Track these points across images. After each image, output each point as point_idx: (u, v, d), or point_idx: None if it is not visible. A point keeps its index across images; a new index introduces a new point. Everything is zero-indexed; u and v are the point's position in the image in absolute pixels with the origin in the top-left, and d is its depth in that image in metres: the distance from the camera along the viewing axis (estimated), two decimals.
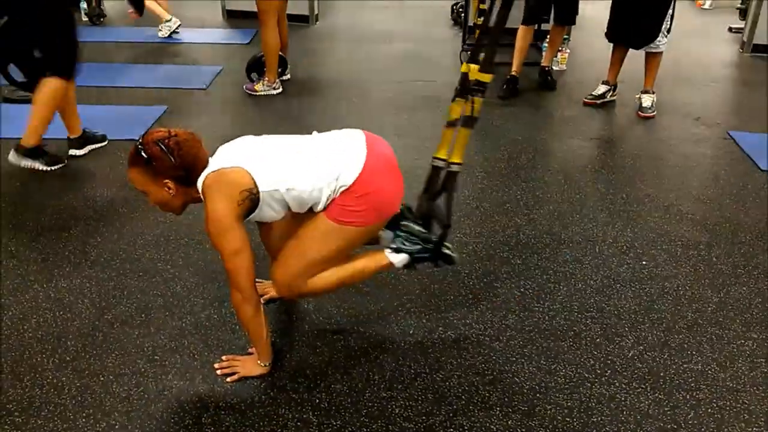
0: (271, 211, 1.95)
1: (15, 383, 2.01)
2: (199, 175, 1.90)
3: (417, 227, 2.16)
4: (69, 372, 2.06)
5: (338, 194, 1.93)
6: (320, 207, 1.96)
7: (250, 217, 1.94)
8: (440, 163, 2.26)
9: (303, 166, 1.93)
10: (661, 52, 4.24)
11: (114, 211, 3.00)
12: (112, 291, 2.45)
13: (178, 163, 1.86)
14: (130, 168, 1.91)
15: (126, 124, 3.85)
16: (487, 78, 2.12)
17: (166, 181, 1.89)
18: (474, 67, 2.14)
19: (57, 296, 2.42)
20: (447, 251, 2.20)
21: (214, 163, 1.92)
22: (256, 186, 1.87)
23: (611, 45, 4.43)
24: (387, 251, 2.15)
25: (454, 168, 2.19)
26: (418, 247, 2.15)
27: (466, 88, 2.16)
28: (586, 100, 4.50)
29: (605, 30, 4.39)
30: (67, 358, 2.12)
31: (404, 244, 2.14)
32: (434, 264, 2.22)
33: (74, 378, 2.04)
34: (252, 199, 1.88)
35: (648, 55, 4.28)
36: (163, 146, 1.85)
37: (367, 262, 2.14)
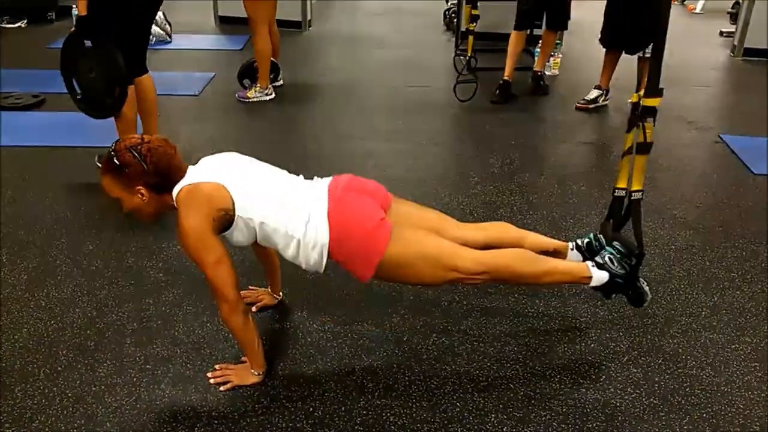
0: (240, 236, 1.95)
1: (6, 393, 1.99)
2: (173, 182, 1.89)
3: (626, 248, 2.11)
4: (61, 382, 2.04)
5: (325, 255, 1.92)
6: (310, 262, 1.94)
7: (221, 234, 1.92)
8: (621, 193, 2.21)
9: (284, 209, 1.91)
10: None
11: (106, 218, 2.98)
12: (104, 300, 2.44)
13: (151, 170, 1.85)
14: (103, 175, 1.90)
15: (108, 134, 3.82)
16: (656, 102, 2.07)
17: (139, 187, 1.88)
18: (636, 95, 2.10)
19: (48, 305, 2.40)
20: (641, 285, 2.13)
21: (194, 175, 1.91)
22: (233, 208, 1.86)
23: (603, 50, 4.45)
24: (590, 264, 2.10)
25: (636, 195, 2.12)
26: (623, 271, 2.09)
27: (636, 116, 2.11)
28: (578, 105, 4.52)
29: (599, 35, 4.41)
30: (59, 368, 2.10)
31: (611, 263, 2.09)
32: (627, 297, 2.16)
33: (66, 388, 2.02)
34: (226, 220, 1.87)
35: (641, 60, 4.29)
36: (135, 153, 1.84)
37: (562, 266, 2.11)
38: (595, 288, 2.13)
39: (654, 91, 2.06)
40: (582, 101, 4.51)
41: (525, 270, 2.06)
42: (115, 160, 1.85)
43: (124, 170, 1.85)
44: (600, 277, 2.08)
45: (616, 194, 2.23)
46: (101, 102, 3.21)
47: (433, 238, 2.00)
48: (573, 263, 2.16)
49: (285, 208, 1.92)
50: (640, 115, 2.08)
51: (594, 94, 4.50)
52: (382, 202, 2.05)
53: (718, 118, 4.51)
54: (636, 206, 2.13)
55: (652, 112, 2.07)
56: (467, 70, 4.53)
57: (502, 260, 2.03)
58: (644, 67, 4.30)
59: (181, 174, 1.90)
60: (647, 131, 2.08)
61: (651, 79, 2.07)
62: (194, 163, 2.00)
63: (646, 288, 2.16)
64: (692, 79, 5.19)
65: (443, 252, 1.98)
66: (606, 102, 4.54)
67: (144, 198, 1.90)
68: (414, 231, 2.00)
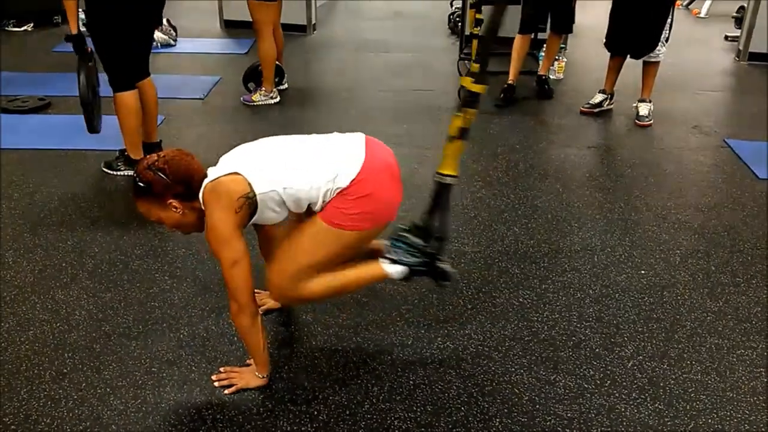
0: (272, 212, 1.95)
1: (11, 396, 2.00)
2: (197, 186, 1.91)
3: (416, 239, 2.14)
4: (66, 384, 2.05)
5: (334, 195, 1.93)
6: (317, 207, 1.96)
7: (253, 220, 1.94)
8: (437, 177, 2.23)
9: (299, 165, 1.93)
10: (659, 62, 4.25)
11: (111, 221, 2.99)
12: (109, 302, 2.45)
13: (173, 180, 1.88)
14: (136, 201, 1.95)
15: (117, 135, 3.83)
16: (480, 89, 2.09)
17: (170, 201, 1.91)
18: (469, 79, 2.13)
19: (54, 307, 2.41)
20: (443, 266, 2.17)
21: (213, 172, 1.93)
22: (252, 190, 1.87)
23: (608, 54, 4.45)
24: (383, 262, 2.13)
25: (447, 180, 2.16)
26: (416, 260, 2.12)
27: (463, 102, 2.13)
28: (583, 109, 4.51)
29: (604, 39, 4.40)
30: (64, 371, 2.10)
31: (403, 257, 2.12)
32: (432, 279, 2.19)
33: (71, 390, 2.02)
34: (250, 204, 1.88)
35: (646, 64, 4.29)
36: (154, 169, 1.89)
37: (362, 272, 2.12)
38: (401, 279, 2.15)
39: (477, 76, 2.08)
40: (586, 105, 4.51)
41: (323, 289, 2.08)
42: (140, 183, 1.90)
43: (150, 189, 1.90)
44: (398, 271, 2.12)
45: (434, 179, 2.23)
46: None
47: (343, 257, 2.05)
48: (370, 267, 2.13)
49: (302, 164, 1.93)
50: (464, 100, 2.10)
51: (599, 98, 4.50)
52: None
53: (723, 123, 4.50)
54: (446, 191, 2.16)
55: (475, 97, 2.09)
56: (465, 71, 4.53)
57: (312, 288, 2.05)
58: (648, 72, 4.32)
59: (203, 176, 1.93)
60: (468, 116, 2.09)
61: (480, 64, 2.09)
62: (211, 165, 2.01)
63: (449, 268, 2.18)
64: (697, 84, 5.18)
65: (319, 267, 2.02)
66: (610, 106, 4.53)
67: (179, 210, 1.93)
68: (363, 241, 2.07)
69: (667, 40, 4.18)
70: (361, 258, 2.14)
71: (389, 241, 2.15)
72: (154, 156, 1.94)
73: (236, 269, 1.87)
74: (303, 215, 2.03)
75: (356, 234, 1.98)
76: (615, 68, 4.43)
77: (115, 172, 3.44)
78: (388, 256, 2.13)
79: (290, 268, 2.01)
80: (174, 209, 1.93)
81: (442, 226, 2.16)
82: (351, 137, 2.05)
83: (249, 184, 1.86)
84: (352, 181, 1.91)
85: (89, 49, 3.25)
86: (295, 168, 1.93)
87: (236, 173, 1.87)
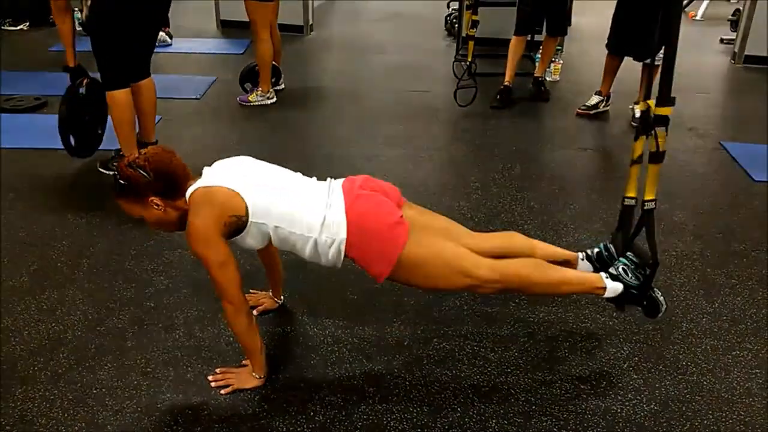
0: (252, 240, 1.96)
1: (7, 396, 1.99)
2: (180, 184, 1.91)
3: (639, 259, 2.09)
4: (62, 385, 2.04)
5: (343, 251, 1.92)
6: (327, 258, 1.94)
7: (231, 239, 1.93)
8: (631, 202, 2.21)
9: (298, 212, 1.92)
10: (660, 65, 4.24)
11: (107, 221, 2.99)
12: (105, 303, 2.44)
13: (153, 177, 1.88)
14: (117, 199, 1.95)
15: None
16: (667, 111, 2.05)
17: (151, 198, 1.90)
18: (652, 102, 2.09)
19: (50, 308, 2.40)
20: (656, 295, 2.12)
21: (209, 177, 1.92)
22: (246, 214, 1.87)
23: (605, 56, 4.45)
24: (604, 275, 2.08)
25: (649, 205, 2.10)
26: (637, 282, 2.07)
27: (648, 124, 2.10)
28: (579, 111, 4.52)
29: (606, 41, 4.40)
30: (60, 371, 2.10)
31: (625, 273, 2.08)
32: (641, 308, 2.15)
33: (67, 391, 2.02)
34: (238, 225, 1.88)
35: (647, 66, 4.29)
36: (134, 166, 1.88)
37: (575, 276, 2.11)
38: (609, 299, 2.12)
39: (665, 99, 2.05)
40: (583, 107, 4.51)
41: (538, 279, 2.06)
42: (120, 180, 1.90)
43: (130, 186, 1.89)
44: (614, 288, 2.07)
45: (626, 203, 2.22)
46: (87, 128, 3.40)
47: (449, 243, 2.00)
48: (587, 273, 2.15)
49: (299, 210, 1.92)
50: (652, 123, 2.06)
51: (595, 100, 4.50)
52: (397, 202, 2.06)
53: (719, 125, 4.51)
54: (649, 216, 2.10)
55: (663, 120, 2.05)
56: (467, 75, 4.53)
57: (515, 269, 2.03)
58: (653, 74, 4.31)
59: (187, 175, 1.93)
60: (659, 140, 2.06)
61: (663, 87, 2.04)
62: (197, 169, 2.00)
63: (661, 298, 2.13)
64: (693, 86, 5.19)
65: (459, 257, 1.98)
66: (606, 108, 4.54)
67: (160, 207, 1.92)
68: (429, 234, 2.00)
69: None
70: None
71: (618, 257, 2.14)
72: (136, 153, 1.94)
73: (224, 270, 1.87)
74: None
75: (407, 253, 1.92)
76: (612, 70, 4.44)
77: (110, 172, 3.43)
78: (610, 270, 2.10)
79: (449, 287, 2.07)
80: (155, 206, 1.92)
81: (653, 253, 2.08)
82: (332, 188, 2.01)
83: (246, 207, 1.87)
84: (347, 234, 1.89)
85: (85, 80, 3.27)
86: (292, 212, 1.91)
87: (237, 192, 1.87)
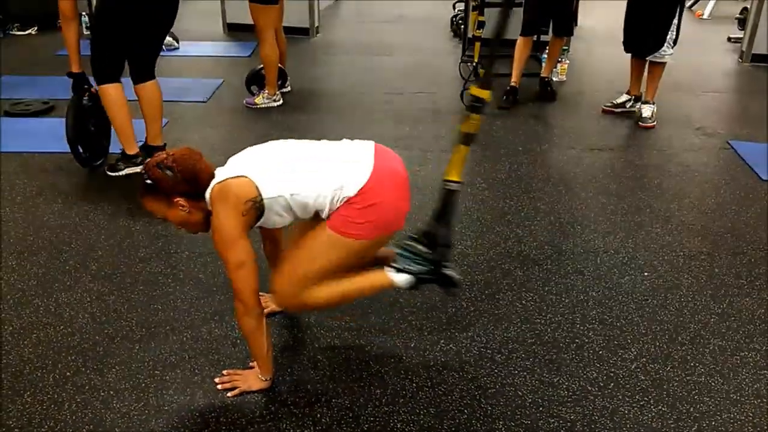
0: (277, 216, 1.95)
1: (15, 399, 2.00)
2: (204, 185, 1.92)
3: (422, 247, 2.11)
4: (69, 387, 2.05)
5: (341, 204, 1.93)
6: (325, 214, 1.96)
7: (259, 223, 1.94)
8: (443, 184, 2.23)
9: (308, 172, 1.93)
10: (665, 63, 4.24)
11: (115, 224, 3.00)
12: (112, 305, 2.45)
13: (180, 178, 1.89)
14: (143, 199, 1.96)
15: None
16: (485, 94, 2.07)
17: (177, 199, 1.91)
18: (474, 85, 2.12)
19: (57, 310, 2.41)
20: (449, 272, 2.14)
21: (221, 173, 1.93)
22: (260, 194, 1.87)
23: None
24: (388, 270, 2.11)
25: (452, 186, 2.14)
26: (422, 267, 2.10)
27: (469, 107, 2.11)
28: (605, 108, 4.51)
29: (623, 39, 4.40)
30: (67, 374, 2.11)
31: (408, 265, 2.10)
32: (440, 286, 2.17)
33: (74, 393, 2.03)
34: (257, 208, 1.89)
35: (651, 64, 4.28)
36: (162, 167, 1.89)
37: (368, 280, 2.11)
38: (407, 288, 2.13)
39: (483, 81, 2.09)
40: (608, 105, 4.50)
41: (330, 296, 2.07)
42: (148, 180, 1.91)
43: (157, 186, 1.90)
44: (404, 279, 2.09)
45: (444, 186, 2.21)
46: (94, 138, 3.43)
47: (345, 266, 2.03)
48: (376, 276, 2.11)
49: (311, 171, 1.93)
50: (469, 105, 2.09)
51: (623, 98, 4.49)
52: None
53: (727, 124, 4.49)
54: (450, 197, 2.14)
55: (480, 102, 2.07)
56: (474, 76, 4.53)
57: (315, 295, 2.04)
58: (653, 73, 4.31)
59: (210, 176, 1.93)
60: (473, 121, 2.08)
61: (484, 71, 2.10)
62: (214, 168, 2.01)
63: (454, 274, 2.15)
64: (700, 85, 5.17)
65: (322, 276, 2.01)
66: (633, 109, 4.50)
67: (185, 208, 1.94)
68: (366, 251, 2.05)
69: (675, 42, 4.16)
70: (368, 266, 2.13)
71: (395, 249, 2.15)
72: (163, 154, 1.95)
73: (242, 271, 1.87)
74: (309, 220, 2.03)
75: (362, 242, 1.97)
76: (636, 69, 4.42)
77: (117, 173, 3.44)
78: (393, 264, 2.11)
79: (295, 275, 2.01)
80: (181, 207, 1.93)
81: (447, 232, 2.13)
82: (360, 145, 2.04)
83: (257, 188, 1.87)
84: (359, 190, 1.90)
85: (93, 89, 3.29)
86: (303, 175, 1.92)
87: (245, 176, 1.88)
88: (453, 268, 2.16)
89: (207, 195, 1.92)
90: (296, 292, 2.02)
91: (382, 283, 2.11)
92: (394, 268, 2.11)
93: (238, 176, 1.89)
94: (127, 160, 3.40)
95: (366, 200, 1.91)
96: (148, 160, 1.98)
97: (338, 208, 1.93)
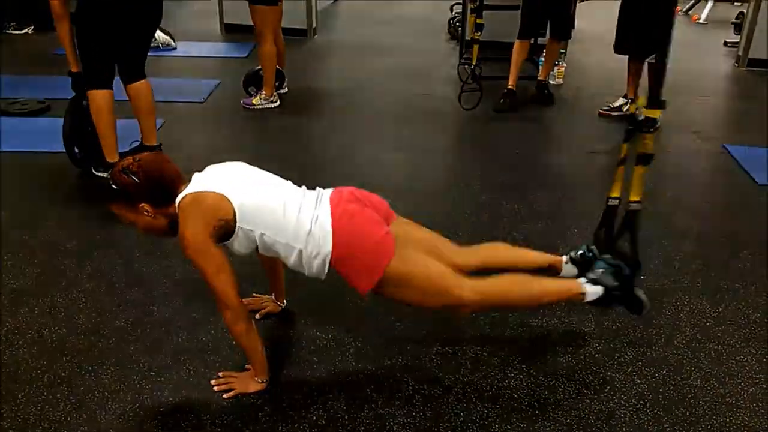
0: (240, 246, 1.96)
1: (9, 399, 1.99)
2: (171, 191, 1.91)
3: (618, 261, 2.10)
4: (64, 388, 2.04)
5: (327, 264, 1.92)
6: (312, 269, 1.95)
7: (220, 243, 1.93)
8: (615, 202, 2.23)
9: (284, 220, 1.92)
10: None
11: (110, 224, 2.99)
12: (108, 306, 2.44)
13: (145, 184, 1.89)
14: (111, 204, 1.97)
15: (123, 137, 3.84)
16: (656, 114, 2.07)
17: (142, 204, 1.91)
18: (641, 103, 2.10)
19: (53, 311, 2.40)
20: (638, 294, 2.13)
21: (198, 183, 1.92)
22: (234, 219, 1.87)
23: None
24: (583, 281, 2.09)
25: (634, 207, 2.12)
26: (617, 284, 2.08)
27: (636, 126, 2.11)
28: (601, 111, 4.51)
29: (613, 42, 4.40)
30: (63, 374, 2.10)
31: (604, 277, 2.08)
32: (626, 308, 2.16)
33: (69, 394, 2.02)
34: (227, 228, 1.89)
35: (650, 67, 4.28)
36: (127, 172, 1.89)
37: (559, 286, 2.11)
38: (592, 303, 2.13)
39: (654, 101, 2.05)
40: (605, 108, 4.50)
41: (519, 296, 2.09)
42: (113, 185, 1.92)
43: (123, 192, 1.91)
44: (594, 292, 2.09)
45: (609, 203, 2.23)
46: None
47: (434, 262, 2.01)
48: (566, 282, 2.14)
49: (286, 219, 1.93)
50: (640, 125, 2.07)
51: (620, 101, 4.49)
52: (386, 216, 2.06)
53: (723, 128, 4.51)
54: (633, 217, 2.12)
55: (651, 123, 2.05)
56: (471, 78, 4.54)
57: (497, 288, 2.05)
58: (650, 75, 4.31)
59: (179, 182, 1.93)
60: (647, 142, 2.07)
61: (652, 89, 2.06)
62: (198, 171, 2.01)
63: (644, 297, 2.15)
64: (696, 89, 5.19)
65: (444, 277, 1.99)
66: (630, 111, 4.50)
67: (150, 214, 1.94)
68: (416, 251, 2.01)
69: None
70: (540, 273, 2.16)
71: (571, 262, 2.16)
72: (129, 159, 1.95)
73: (221, 276, 1.87)
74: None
75: (391, 268, 1.93)
76: (633, 72, 4.43)
77: (97, 173, 3.41)
78: (589, 275, 2.11)
79: (432, 305, 2.06)
80: (145, 213, 1.93)
81: (634, 253, 2.11)
82: (319, 199, 2.01)
83: (234, 212, 1.87)
84: (333, 248, 1.90)
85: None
86: (279, 221, 1.92)
87: (224, 196, 1.88)
88: (642, 290, 2.15)
89: (177, 200, 1.91)
90: (456, 301, 2.01)
91: (571, 291, 2.10)
92: (590, 279, 2.10)
93: (216, 192, 1.88)
94: (105, 165, 3.37)
95: (346, 252, 1.91)
96: (115, 165, 1.98)
97: (340, 273, 1.95)
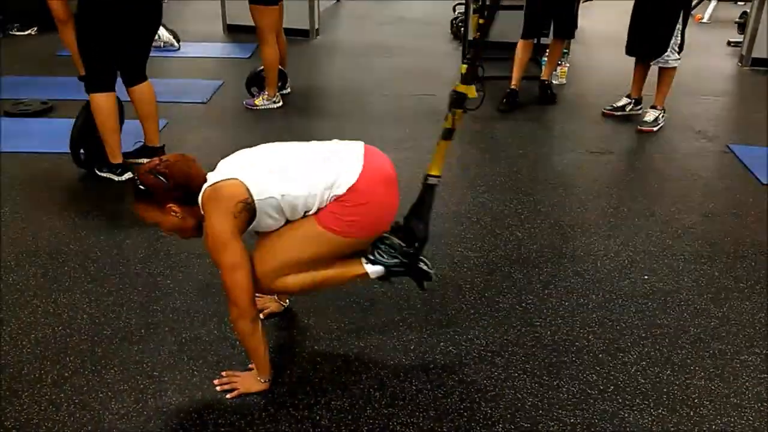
0: (270, 219, 1.94)
1: (13, 400, 1.99)
2: (196, 191, 1.91)
3: (397, 240, 2.12)
4: (67, 388, 2.04)
5: (331, 200, 1.92)
6: (313, 211, 1.95)
7: (251, 227, 1.93)
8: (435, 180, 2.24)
9: (298, 173, 1.92)
10: (673, 68, 4.23)
11: (114, 225, 2.99)
12: (111, 306, 2.44)
13: (173, 184, 1.89)
14: (136, 205, 1.96)
15: (125, 138, 3.84)
16: (467, 90, 2.11)
17: (170, 205, 1.92)
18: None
19: (56, 311, 2.40)
20: (423, 266, 2.16)
21: (212, 177, 1.93)
22: (251, 196, 1.87)
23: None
24: (363, 261, 2.11)
25: (431, 180, 2.17)
26: (396, 260, 2.11)
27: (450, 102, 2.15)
28: (605, 111, 4.51)
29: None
30: (66, 374, 2.10)
31: (382, 257, 2.10)
32: (413, 279, 2.20)
33: (72, 394, 2.02)
34: (249, 210, 1.88)
35: (659, 70, 4.29)
36: (155, 173, 1.89)
37: (342, 269, 2.10)
38: (379, 278, 2.14)
39: (465, 78, 2.13)
40: (608, 108, 4.49)
41: (302, 282, 2.06)
42: (141, 186, 1.91)
43: (150, 193, 1.90)
44: (375, 270, 2.10)
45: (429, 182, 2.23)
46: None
47: (324, 259, 2.04)
48: (348, 264, 2.11)
49: (301, 172, 1.92)
50: (450, 101, 2.12)
51: (623, 101, 4.49)
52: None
53: (727, 128, 4.49)
54: (429, 192, 2.16)
55: (461, 98, 2.12)
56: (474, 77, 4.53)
57: (291, 279, 2.03)
58: (661, 78, 4.31)
59: (203, 181, 1.93)
60: (456, 117, 2.12)
61: (469, 68, 2.13)
62: (211, 169, 2.01)
63: (428, 268, 2.17)
64: (700, 89, 5.18)
65: (299, 265, 2.01)
66: (634, 112, 4.49)
67: (178, 214, 1.94)
68: (346, 248, 2.05)
69: (680, 48, 4.16)
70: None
71: (376, 242, 2.13)
72: (156, 160, 1.95)
73: (236, 273, 1.87)
74: None
75: (347, 240, 1.97)
76: (639, 73, 4.42)
77: (99, 173, 3.42)
78: (368, 255, 2.12)
79: (274, 261, 1.99)
80: (173, 214, 1.93)
81: (424, 226, 2.14)
82: (350, 145, 2.04)
83: (247, 190, 1.86)
84: (349, 188, 1.90)
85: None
86: (293, 175, 1.92)
87: (235, 179, 1.87)
88: (427, 262, 2.18)
89: (199, 199, 1.91)
90: (271, 276, 2.00)
91: (356, 273, 2.11)
92: (368, 259, 2.11)
93: (228, 179, 1.88)
94: (109, 166, 3.38)
95: (356, 199, 1.91)
96: (141, 166, 1.98)
97: (328, 204, 1.93)
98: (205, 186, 1.91)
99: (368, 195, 1.93)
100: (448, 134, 2.16)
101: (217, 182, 1.89)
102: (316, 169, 1.94)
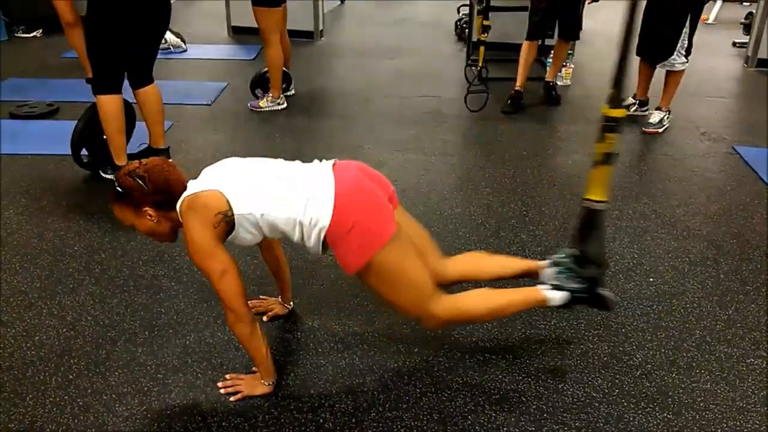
0: (247, 234, 1.93)
1: (17, 402, 2.00)
2: (175, 197, 1.91)
3: (577, 265, 2.10)
4: (72, 390, 2.05)
5: (323, 239, 1.87)
6: (296, 238, 1.91)
7: (228, 239, 1.92)
8: (586, 203, 2.20)
9: (280, 194, 1.89)
10: (680, 72, 4.22)
11: (118, 227, 2.99)
12: (115, 308, 2.44)
13: (151, 188, 1.89)
14: (113, 205, 1.97)
15: (131, 139, 3.86)
16: (618, 113, 2.05)
17: (146, 209, 1.92)
18: (606, 105, 2.08)
19: (60, 313, 2.41)
20: (604, 293, 2.12)
21: (193, 186, 1.93)
22: (231, 209, 1.86)
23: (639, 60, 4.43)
24: (543, 288, 2.09)
25: (597, 206, 2.12)
26: (579, 285, 2.08)
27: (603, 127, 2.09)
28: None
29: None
30: (70, 377, 2.10)
31: (566, 282, 2.08)
32: (592, 307, 2.16)
33: (77, 397, 2.02)
34: (227, 222, 1.87)
35: (666, 73, 4.28)
36: (134, 176, 1.90)
37: (521, 296, 2.09)
38: (559, 306, 2.11)
39: (614, 101, 2.06)
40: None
41: (486, 312, 2.08)
42: (118, 188, 1.92)
43: (127, 195, 1.91)
44: (559, 297, 2.08)
45: (583, 204, 2.19)
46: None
47: (422, 266, 1.99)
48: (530, 291, 2.11)
49: (283, 194, 1.89)
50: (603, 126, 2.06)
51: (628, 101, 4.47)
52: (390, 199, 2.02)
53: (732, 129, 4.47)
54: (597, 217, 2.12)
55: (614, 122, 2.05)
56: (478, 80, 4.53)
57: (465, 308, 2.04)
58: (667, 80, 4.29)
59: (182, 188, 1.93)
60: (610, 142, 2.06)
61: (614, 88, 2.06)
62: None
63: (609, 294, 2.14)
64: (706, 90, 5.16)
65: (424, 288, 1.97)
66: (640, 113, 4.47)
67: (153, 218, 1.94)
68: (409, 248, 1.98)
69: (688, 52, 4.14)
70: (517, 277, 2.18)
71: (552, 266, 2.13)
72: (136, 163, 1.95)
73: (226, 279, 1.86)
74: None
75: (384, 256, 1.88)
76: (644, 74, 4.41)
77: (104, 175, 3.43)
78: (550, 282, 2.10)
79: (404, 308, 2.02)
80: (149, 217, 1.94)
81: (599, 252, 2.10)
82: (319, 168, 1.98)
83: (228, 202, 1.86)
84: (331, 220, 1.85)
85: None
86: (275, 196, 1.89)
87: (216, 190, 1.87)
88: (607, 289, 2.14)
89: (177, 207, 1.91)
90: (425, 313, 1.99)
91: (535, 300, 2.09)
92: (551, 285, 2.09)
93: (208, 189, 1.88)
94: (114, 168, 3.38)
95: (342, 229, 1.85)
96: (122, 168, 1.98)
97: (335, 252, 1.89)
98: (185, 194, 1.90)
99: (352, 216, 1.85)
100: (608, 159, 2.09)
101: (197, 192, 1.88)
102: (295, 196, 1.88)
